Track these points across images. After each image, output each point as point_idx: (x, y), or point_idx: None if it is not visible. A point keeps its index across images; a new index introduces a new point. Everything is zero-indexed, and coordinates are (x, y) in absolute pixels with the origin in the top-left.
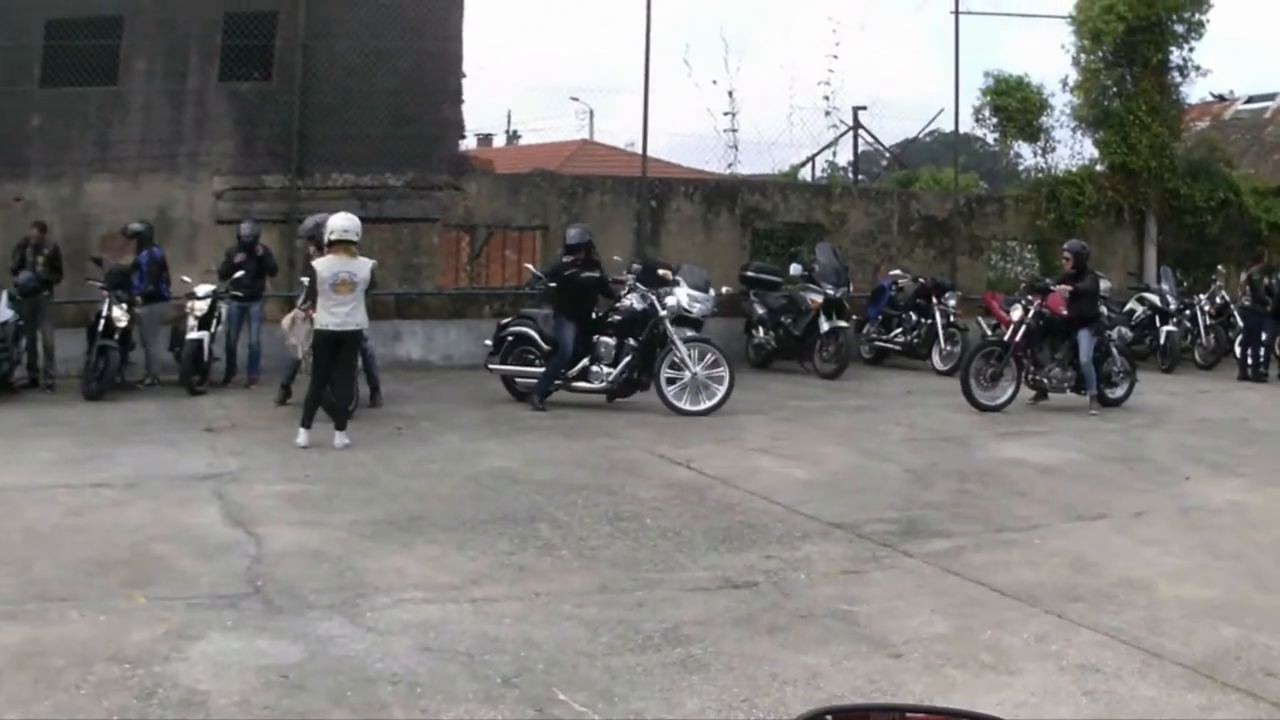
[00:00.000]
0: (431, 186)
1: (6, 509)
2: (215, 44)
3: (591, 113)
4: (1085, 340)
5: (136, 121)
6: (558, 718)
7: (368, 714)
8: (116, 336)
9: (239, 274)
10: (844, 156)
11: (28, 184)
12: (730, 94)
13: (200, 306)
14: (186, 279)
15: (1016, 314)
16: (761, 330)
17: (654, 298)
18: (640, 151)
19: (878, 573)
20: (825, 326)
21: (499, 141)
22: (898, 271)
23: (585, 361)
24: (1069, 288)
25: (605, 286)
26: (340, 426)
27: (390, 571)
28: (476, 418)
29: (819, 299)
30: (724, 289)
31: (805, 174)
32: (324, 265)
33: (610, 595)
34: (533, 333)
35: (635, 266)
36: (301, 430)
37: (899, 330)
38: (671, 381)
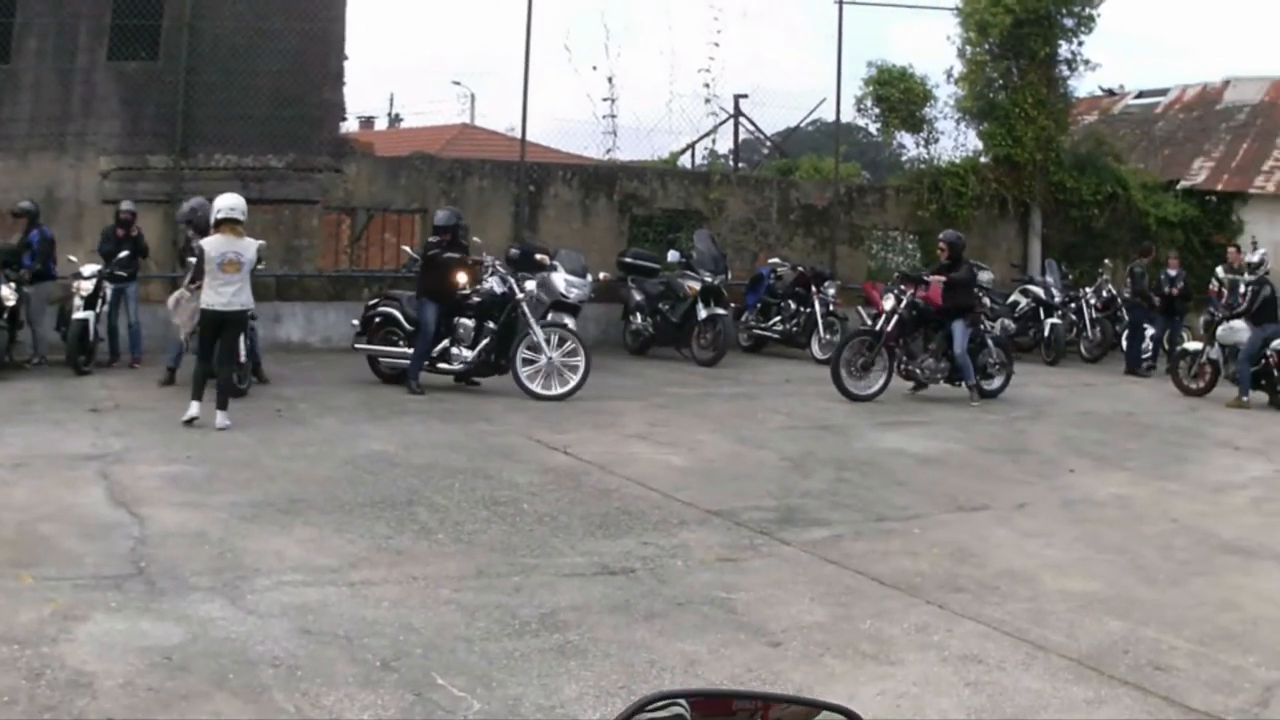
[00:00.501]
0: (312, 169)
1: None
2: (105, 23)
3: (473, 97)
4: (960, 331)
5: (27, 100)
6: (436, 702)
7: (249, 696)
8: (5, 316)
9: (122, 254)
10: (724, 144)
11: None
12: (610, 80)
13: (86, 286)
14: (73, 259)
15: (889, 304)
16: (639, 316)
17: (513, 281)
18: (520, 137)
19: (756, 560)
20: (703, 314)
21: (381, 124)
22: (776, 260)
23: (446, 343)
24: (943, 278)
25: (441, 266)
26: (222, 406)
27: (270, 554)
28: (355, 400)
29: (697, 286)
30: (602, 275)
31: (685, 161)
32: (211, 245)
33: (487, 580)
34: (397, 314)
35: (513, 251)
36: (193, 403)
37: (778, 318)
38: (528, 363)
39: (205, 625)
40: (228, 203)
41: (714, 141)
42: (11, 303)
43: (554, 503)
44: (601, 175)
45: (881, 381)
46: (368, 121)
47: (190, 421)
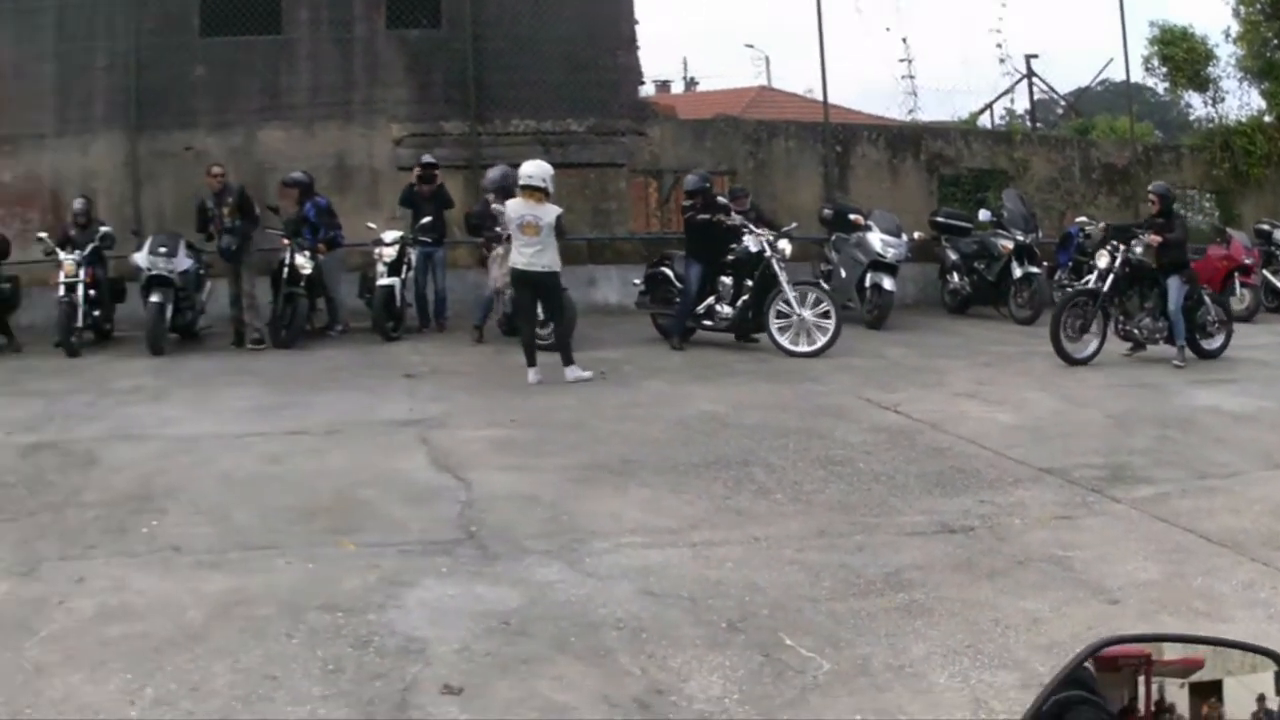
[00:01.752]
0: (614, 132)
1: (202, 457)
2: None
3: (767, 59)
4: (1175, 288)
5: (305, 70)
6: (785, 662)
7: (593, 660)
8: (302, 284)
9: (425, 219)
10: (1019, 105)
11: (197, 133)
12: (905, 41)
13: (389, 253)
14: (371, 225)
15: (1103, 261)
16: (956, 276)
17: (766, 240)
18: (820, 98)
19: (1089, 518)
20: (1018, 272)
21: (676, 88)
22: (1084, 219)
23: (710, 300)
24: (1158, 237)
25: (711, 228)
26: (567, 361)
27: (605, 516)
28: (679, 361)
29: (1010, 244)
30: (916, 234)
31: (984, 121)
32: (512, 207)
33: (829, 540)
34: (670, 273)
35: (826, 211)
36: (530, 370)
37: (1090, 276)
38: (781, 316)
39: (544, 589)
40: (529, 169)
41: (1012, 101)
42: (307, 270)
43: (889, 461)
44: (907, 135)
45: (1096, 344)
46: (663, 85)
47: (539, 382)
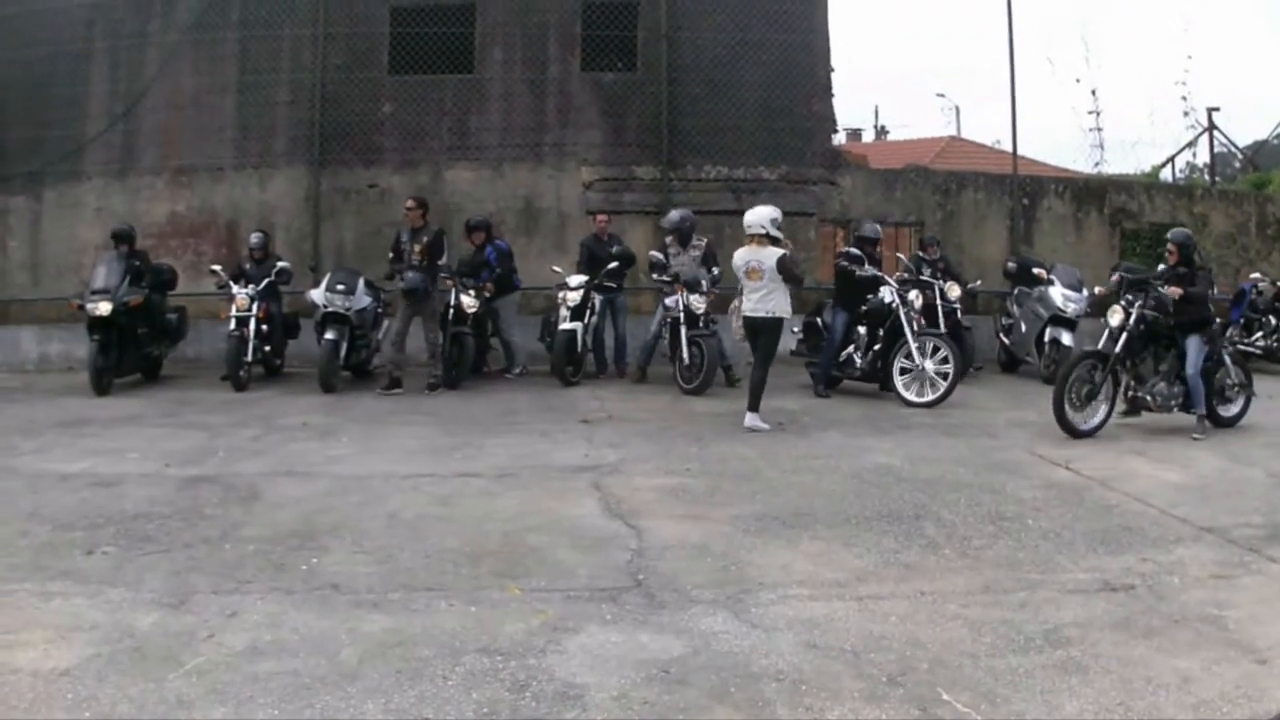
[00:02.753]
0: (806, 180)
1: (369, 496)
2: (574, 33)
3: (957, 109)
4: (1195, 349)
5: (496, 110)
6: (940, 717)
7: (751, 711)
8: (468, 323)
9: (613, 265)
10: (1200, 157)
11: (382, 171)
12: (1093, 93)
13: (573, 297)
14: (557, 269)
15: (1116, 319)
16: None
17: (899, 292)
18: (1008, 149)
19: (1245, 577)
20: None
21: (867, 136)
22: (1257, 275)
23: (849, 349)
24: (1178, 290)
25: (850, 277)
26: (753, 407)
27: (775, 567)
28: (857, 414)
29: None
30: (1097, 289)
31: (1165, 174)
32: (737, 255)
33: (993, 595)
34: (820, 322)
35: (1010, 265)
36: (748, 414)
37: (1259, 334)
38: (905, 372)
39: (707, 639)
40: (749, 217)
41: (1194, 154)
42: (472, 309)
43: (1057, 518)
44: (1092, 188)
45: (1104, 411)
46: (854, 134)
47: (749, 427)
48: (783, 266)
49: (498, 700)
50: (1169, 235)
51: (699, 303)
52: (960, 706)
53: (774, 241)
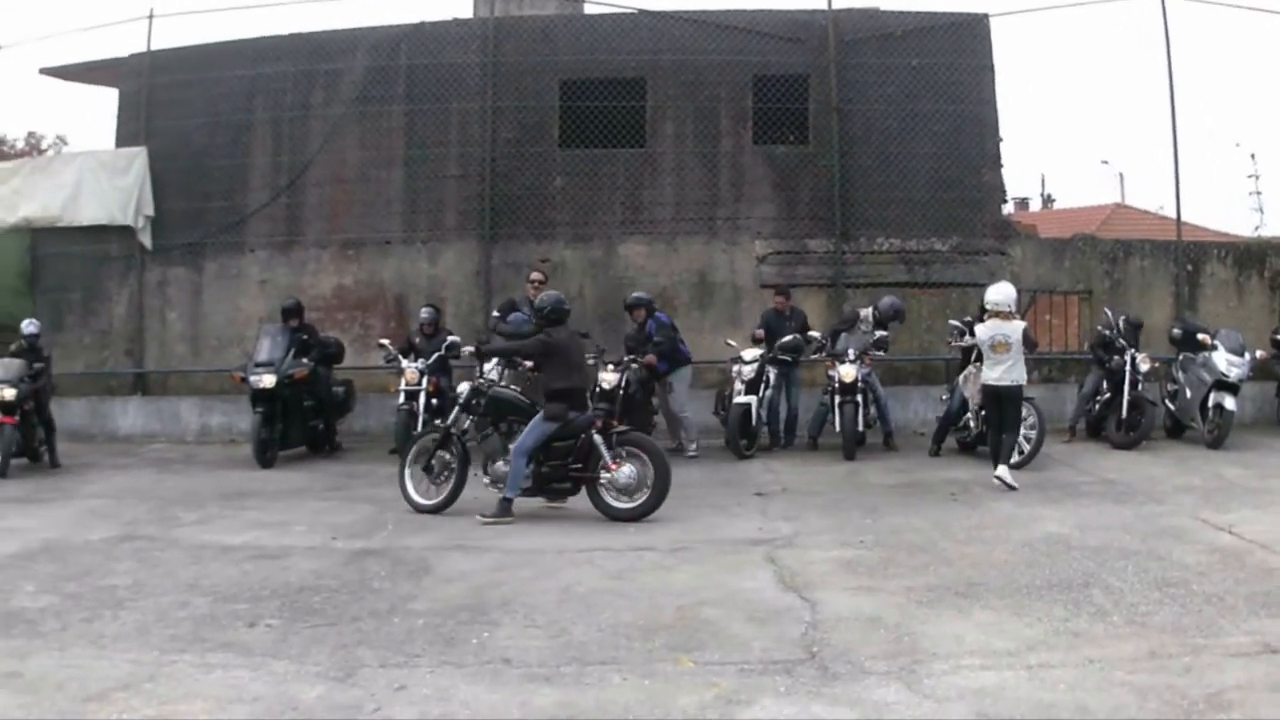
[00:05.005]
0: (978, 251)
1: (541, 570)
2: (746, 107)
3: (1121, 176)
4: None
5: (669, 184)
6: None
7: None
8: (616, 402)
9: (787, 339)
10: None
11: (554, 245)
12: (1253, 156)
13: (747, 371)
14: (731, 343)
15: None
16: None
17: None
18: (1172, 216)
19: None
20: None
21: (1034, 205)
22: None
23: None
24: None
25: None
26: (1006, 461)
27: (947, 637)
28: (1028, 481)
29: None
30: (1259, 353)
31: None
32: (983, 330)
33: (1159, 661)
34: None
35: (1175, 331)
36: (1002, 468)
37: None
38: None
39: (880, 709)
40: (992, 297)
41: None
42: (609, 386)
43: (1220, 583)
44: (1253, 252)
45: None
46: (1021, 203)
47: (1007, 487)
48: (1027, 339)
49: None
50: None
51: (850, 372)
52: None
53: (1014, 315)
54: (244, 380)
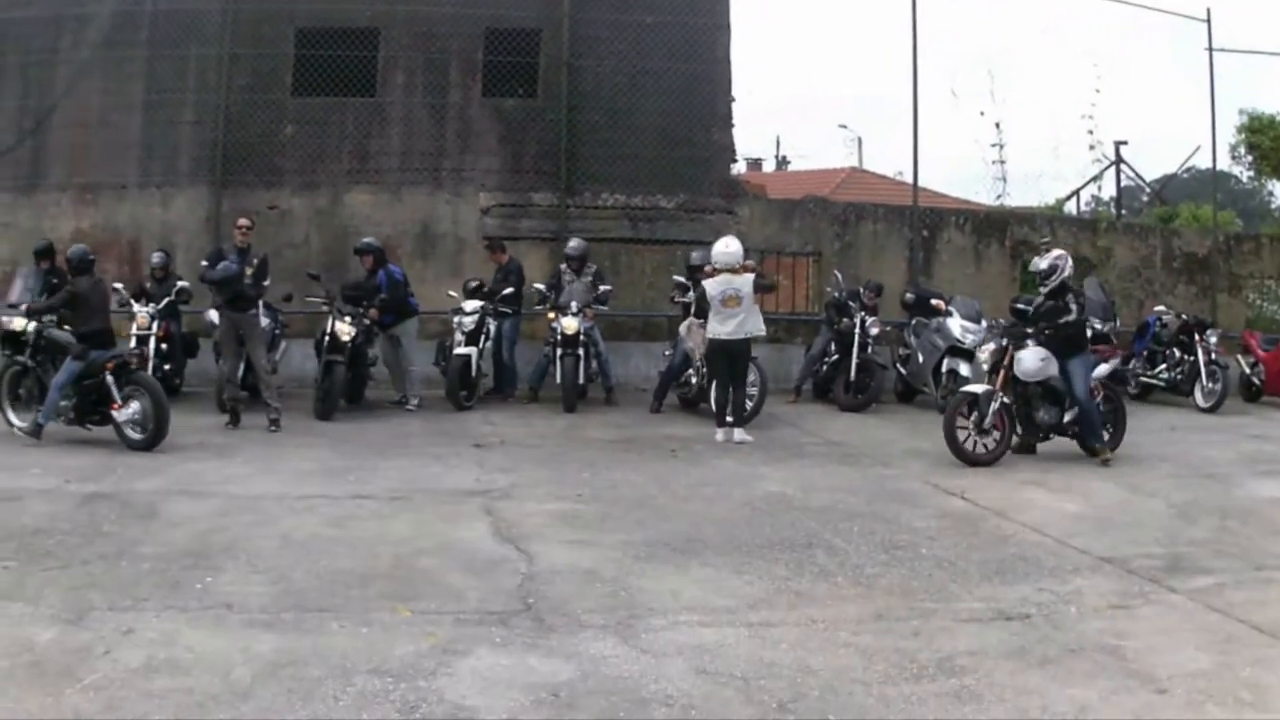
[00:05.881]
0: (704, 210)
1: (262, 517)
2: (477, 60)
3: (860, 140)
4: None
5: (396, 134)
6: None
7: None
8: (345, 351)
9: (507, 290)
10: (1106, 190)
11: (282, 192)
12: (997, 125)
13: (468, 322)
14: (452, 294)
15: None
16: None
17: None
18: (910, 181)
19: (1144, 608)
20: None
21: (768, 166)
22: (1162, 308)
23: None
24: None
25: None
26: (737, 424)
27: (665, 593)
28: (751, 441)
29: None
30: (997, 320)
31: (1070, 207)
32: (712, 285)
33: (886, 624)
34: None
35: (908, 296)
36: (719, 430)
37: (1163, 366)
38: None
39: (596, 663)
40: (723, 254)
41: (1099, 188)
42: (348, 337)
43: (951, 547)
44: (993, 221)
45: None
46: (755, 164)
47: (727, 441)
48: (758, 286)
49: None
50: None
51: (571, 324)
52: None
53: (738, 271)
54: None
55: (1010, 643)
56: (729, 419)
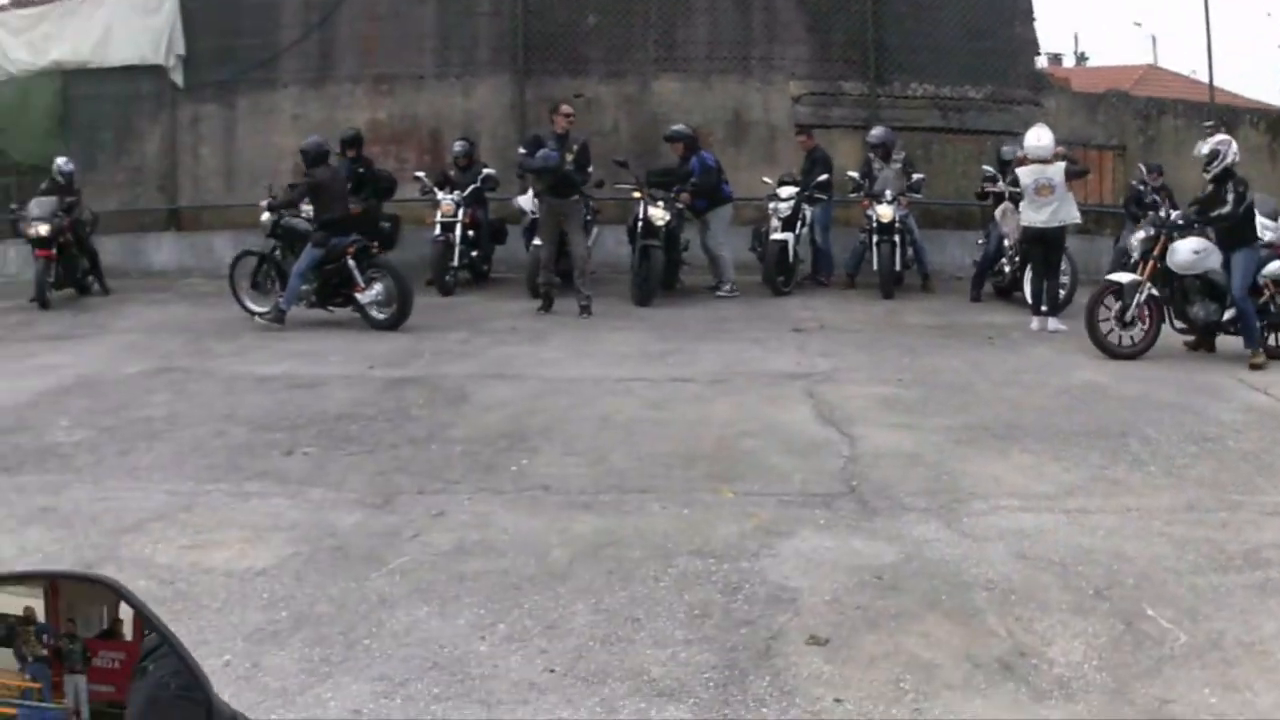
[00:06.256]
0: (1011, 100)
1: (578, 399)
2: None
3: (1154, 38)
4: None
5: (702, 24)
6: (1145, 632)
7: (960, 619)
8: (659, 237)
9: (823, 176)
10: None
11: (589, 80)
12: None
13: (783, 208)
14: (767, 180)
15: None
16: None
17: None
18: (1205, 80)
19: None
20: None
21: (1068, 62)
22: None
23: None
24: None
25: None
26: (1052, 313)
27: (986, 478)
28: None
29: None
30: None
31: None
32: (1025, 174)
33: (1197, 515)
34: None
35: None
36: (1034, 318)
37: None
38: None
39: (919, 546)
40: (1035, 143)
41: None
42: (662, 222)
43: (1257, 441)
44: None
45: None
46: (1055, 58)
47: (1041, 329)
48: (1070, 173)
49: (710, 602)
50: None
51: (887, 211)
52: (1164, 623)
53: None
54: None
55: None
56: (1043, 308)
